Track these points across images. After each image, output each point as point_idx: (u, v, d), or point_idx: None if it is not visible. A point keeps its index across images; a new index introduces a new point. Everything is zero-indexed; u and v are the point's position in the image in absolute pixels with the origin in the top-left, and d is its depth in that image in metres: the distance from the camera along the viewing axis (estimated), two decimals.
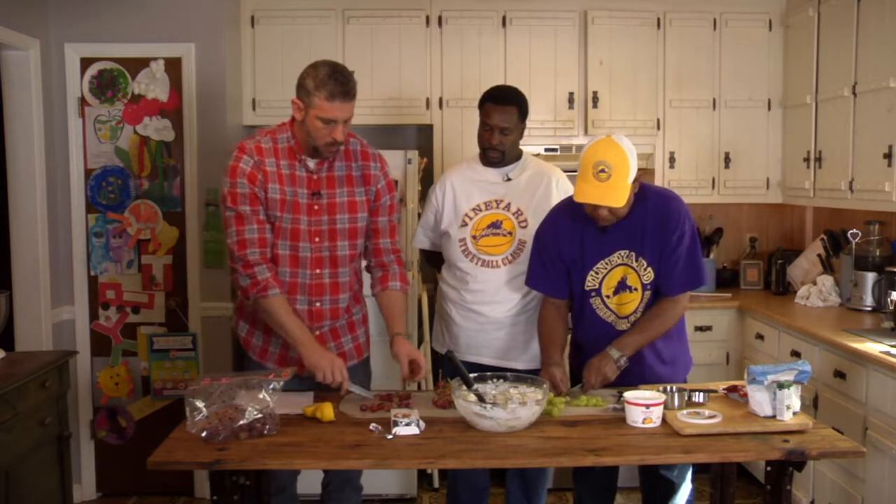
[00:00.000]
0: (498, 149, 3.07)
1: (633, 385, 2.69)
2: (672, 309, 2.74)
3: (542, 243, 2.86)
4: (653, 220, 2.70)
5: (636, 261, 2.72)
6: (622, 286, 2.75)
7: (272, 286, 2.63)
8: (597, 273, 2.76)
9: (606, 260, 2.74)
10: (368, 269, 2.93)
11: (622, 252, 2.73)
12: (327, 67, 2.59)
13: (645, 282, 2.73)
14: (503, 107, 3.05)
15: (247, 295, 2.66)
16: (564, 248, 2.79)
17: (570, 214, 2.79)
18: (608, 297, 2.77)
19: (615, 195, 2.56)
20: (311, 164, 2.72)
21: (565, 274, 2.81)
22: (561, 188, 3.13)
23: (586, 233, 2.75)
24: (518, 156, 3.17)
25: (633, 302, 2.76)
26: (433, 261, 3.40)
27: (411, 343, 2.73)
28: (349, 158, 2.77)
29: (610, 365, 2.66)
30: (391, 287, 2.84)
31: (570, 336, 3.01)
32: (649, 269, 2.72)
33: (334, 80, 2.56)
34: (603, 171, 2.54)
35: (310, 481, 3.02)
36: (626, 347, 2.68)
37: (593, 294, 2.78)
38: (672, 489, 2.89)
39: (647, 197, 2.72)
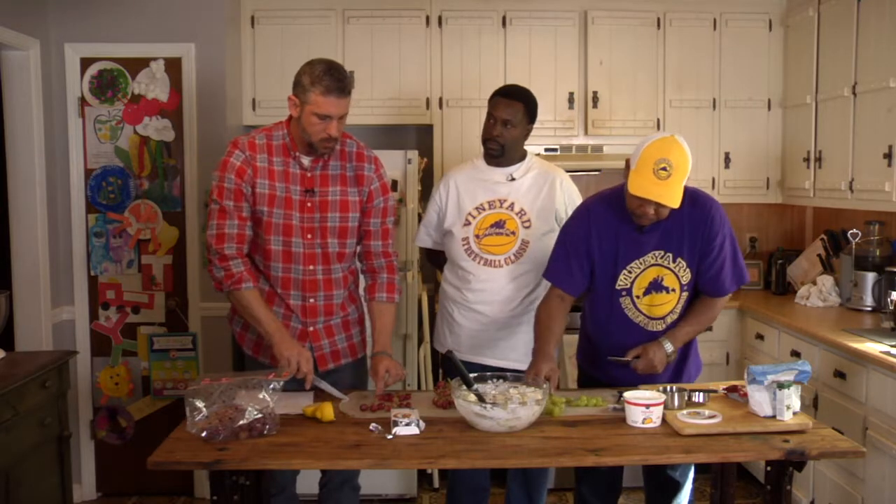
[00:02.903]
0: (497, 140, 3.07)
1: (649, 378, 2.69)
2: (717, 305, 2.77)
3: (572, 236, 2.80)
4: (692, 223, 2.68)
5: (674, 262, 2.70)
6: (655, 287, 2.73)
7: (246, 279, 2.68)
8: (630, 272, 2.73)
9: (641, 260, 2.72)
10: (362, 272, 2.94)
11: (657, 253, 2.71)
12: (323, 64, 2.62)
13: (683, 283, 2.72)
14: (509, 100, 3.07)
15: (220, 287, 2.73)
16: (595, 244, 2.74)
17: (605, 208, 2.76)
18: (638, 297, 2.74)
19: (672, 195, 2.55)
20: (306, 161, 2.74)
21: (589, 271, 2.78)
22: (565, 189, 3.13)
23: (622, 231, 2.72)
24: (522, 156, 3.17)
25: (669, 303, 2.74)
26: (435, 260, 3.40)
27: (387, 358, 2.74)
28: (344, 159, 2.79)
29: (661, 358, 2.65)
30: (377, 298, 2.86)
31: (580, 333, 3.01)
32: (688, 270, 2.71)
33: (330, 76, 2.58)
34: (665, 169, 2.53)
35: (308, 481, 3.03)
36: (677, 341, 2.69)
37: (623, 294, 2.75)
38: (676, 489, 2.88)
39: (687, 199, 2.68)
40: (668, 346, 2.67)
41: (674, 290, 2.73)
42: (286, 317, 2.79)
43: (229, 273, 2.68)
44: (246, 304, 2.69)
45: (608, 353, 2.76)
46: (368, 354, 2.92)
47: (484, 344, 3.12)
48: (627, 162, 2.64)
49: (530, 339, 3.04)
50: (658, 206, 2.57)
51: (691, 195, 2.73)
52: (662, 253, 2.71)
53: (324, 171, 2.75)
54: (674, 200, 2.56)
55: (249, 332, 2.86)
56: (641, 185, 2.55)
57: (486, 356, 3.10)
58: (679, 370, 2.84)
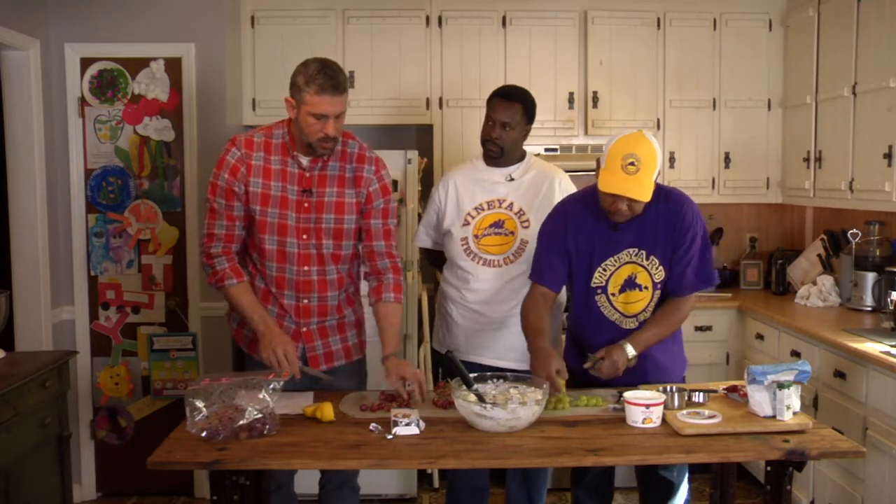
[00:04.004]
0: (497, 143, 3.07)
1: (635, 376, 2.69)
2: (683, 307, 2.74)
3: (549, 234, 2.82)
4: (665, 219, 2.69)
5: (647, 259, 2.71)
6: (630, 284, 2.74)
7: (229, 277, 2.72)
8: (605, 270, 2.75)
9: (615, 257, 2.73)
10: (366, 276, 2.90)
11: (631, 250, 2.72)
12: (317, 63, 2.60)
13: (656, 280, 2.72)
14: (508, 102, 3.06)
15: (209, 283, 2.79)
16: (571, 241, 2.76)
17: (581, 208, 2.78)
18: (613, 295, 2.76)
19: (641, 189, 2.56)
20: (305, 161, 2.73)
21: (567, 267, 2.80)
22: (564, 189, 3.13)
23: (597, 229, 2.73)
24: (521, 156, 3.18)
25: (642, 300, 2.75)
26: (434, 260, 3.40)
27: (405, 361, 2.70)
28: (344, 160, 2.78)
29: (623, 360, 2.62)
30: (384, 299, 2.81)
31: (566, 333, 3.01)
32: (661, 267, 2.71)
33: (323, 74, 2.57)
34: (632, 164, 2.53)
35: (308, 481, 3.03)
36: (639, 345, 2.65)
37: (598, 291, 2.76)
38: (671, 490, 2.88)
39: (660, 196, 2.70)
40: (630, 350, 2.63)
41: (647, 287, 2.74)
42: (280, 316, 2.79)
43: (214, 271, 2.73)
44: (233, 301, 2.75)
45: (590, 351, 2.74)
46: (375, 357, 2.90)
47: (483, 343, 3.12)
48: (598, 161, 2.65)
49: None
50: (630, 201, 2.58)
51: (666, 193, 2.75)
52: (637, 250, 2.72)
53: (322, 172, 2.75)
54: (644, 194, 2.57)
55: (245, 329, 2.86)
56: (610, 182, 2.57)
57: (485, 356, 3.10)
58: (662, 370, 2.81)
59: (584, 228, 2.75)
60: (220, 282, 2.73)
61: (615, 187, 2.56)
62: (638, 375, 2.73)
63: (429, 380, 4.18)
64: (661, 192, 2.72)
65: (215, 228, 2.73)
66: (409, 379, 2.60)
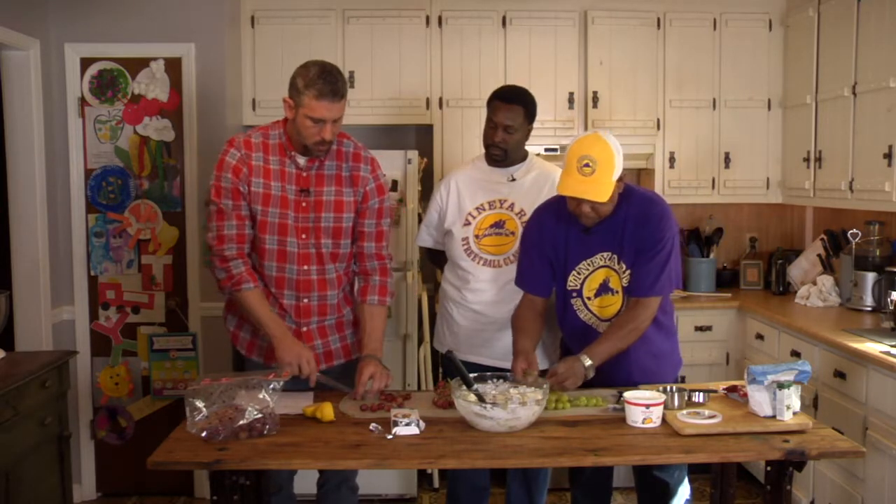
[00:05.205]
0: (500, 146, 3.07)
1: (620, 378, 2.69)
2: (641, 315, 2.67)
3: (528, 241, 2.85)
4: (633, 221, 2.68)
5: (617, 263, 2.71)
6: (604, 289, 2.73)
7: (246, 280, 2.69)
8: (578, 273, 2.75)
9: (589, 261, 2.73)
10: (355, 274, 2.92)
11: (605, 254, 2.72)
12: (317, 67, 2.60)
13: (625, 284, 2.71)
14: (510, 105, 3.06)
15: (222, 288, 2.75)
16: (548, 245, 2.77)
17: (554, 213, 2.79)
18: (589, 298, 2.75)
19: (598, 190, 2.55)
20: (302, 160, 2.74)
21: (550, 272, 2.80)
22: None
23: (571, 233, 2.74)
24: (523, 157, 3.18)
25: (614, 305, 2.74)
26: (436, 259, 3.40)
27: (374, 361, 2.70)
28: (341, 159, 2.78)
29: (578, 372, 2.57)
30: (369, 301, 2.83)
31: (560, 338, 3.01)
32: (628, 271, 2.70)
33: (323, 79, 2.57)
34: (587, 165, 2.53)
35: (306, 481, 3.03)
36: (596, 357, 2.60)
37: (574, 294, 2.76)
38: (667, 492, 2.87)
39: (631, 199, 2.70)
40: (587, 361, 2.59)
41: (617, 291, 2.73)
42: (280, 316, 2.79)
43: (230, 275, 2.70)
44: (247, 306, 2.71)
45: (574, 353, 2.71)
46: None
47: (483, 344, 3.12)
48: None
49: None
50: (594, 203, 2.58)
51: (640, 195, 2.74)
52: (609, 254, 2.72)
53: (319, 171, 2.75)
54: (600, 195, 2.56)
55: (243, 331, 2.86)
56: (567, 184, 2.58)
57: (486, 356, 3.10)
58: (654, 371, 2.80)
59: (559, 232, 2.76)
60: (236, 285, 2.69)
61: (571, 189, 2.57)
62: (631, 374, 2.73)
63: (429, 380, 4.19)
64: (633, 193, 2.72)
65: (225, 230, 2.70)
66: (363, 379, 2.64)
